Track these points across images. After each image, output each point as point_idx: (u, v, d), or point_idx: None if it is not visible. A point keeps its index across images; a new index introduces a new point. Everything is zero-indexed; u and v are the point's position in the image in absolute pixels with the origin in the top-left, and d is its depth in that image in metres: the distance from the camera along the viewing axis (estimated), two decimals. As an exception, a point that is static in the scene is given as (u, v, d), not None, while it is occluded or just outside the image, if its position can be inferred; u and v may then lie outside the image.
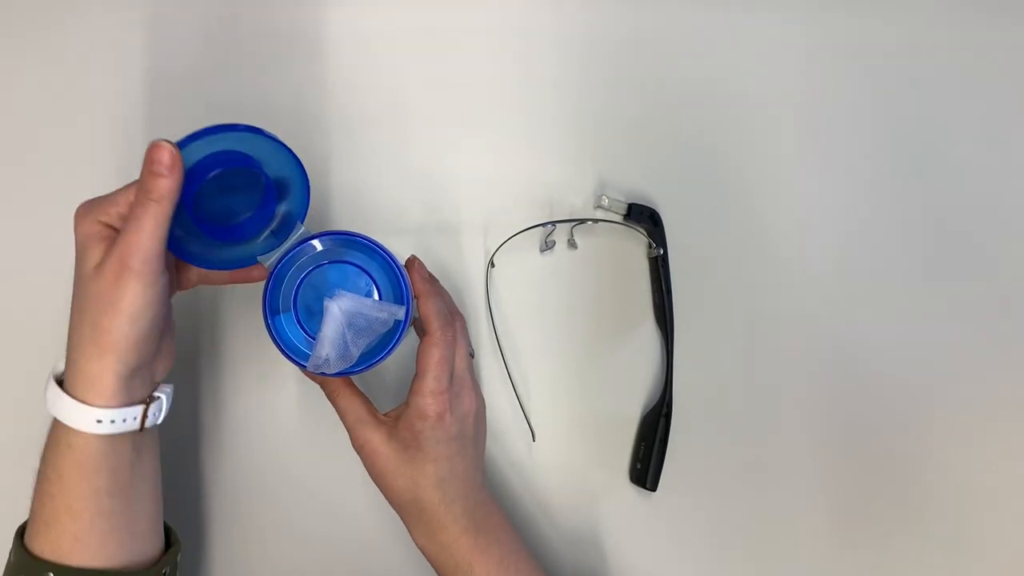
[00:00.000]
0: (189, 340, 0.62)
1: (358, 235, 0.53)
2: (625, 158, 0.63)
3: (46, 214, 0.62)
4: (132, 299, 0.42)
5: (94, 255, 0.44)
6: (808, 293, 0.63)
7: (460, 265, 0.63)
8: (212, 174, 0.46)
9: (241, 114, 0.62)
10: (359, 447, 0.52)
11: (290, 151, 0.50)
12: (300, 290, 0.53)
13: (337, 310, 0.50)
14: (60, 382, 0.45)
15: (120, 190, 0.46)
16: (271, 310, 0.52)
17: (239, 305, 0.62)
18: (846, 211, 0.64)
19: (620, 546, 0.62)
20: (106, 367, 0.43)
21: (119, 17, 0.63)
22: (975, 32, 0.65)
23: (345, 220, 0.61)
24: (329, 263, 0.53)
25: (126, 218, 0.43)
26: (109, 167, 0.62)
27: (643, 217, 0.61)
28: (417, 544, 0.52)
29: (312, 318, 0.53)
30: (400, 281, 0.53)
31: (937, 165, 0.64)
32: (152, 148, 0.42)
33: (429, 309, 0.52)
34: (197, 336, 0.62)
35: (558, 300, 0.63)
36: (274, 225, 0.52)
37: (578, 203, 0.63)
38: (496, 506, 0.54)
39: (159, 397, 0.49)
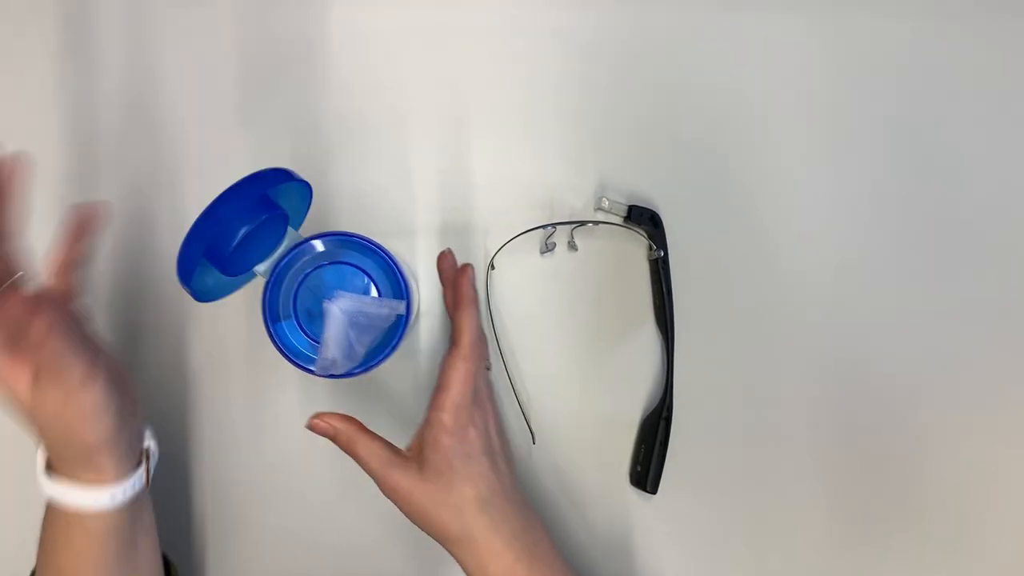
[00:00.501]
0: (190, 350, 0.62)
1: (352, 234, 0.53)
2: (626, 160, 0.63)
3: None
4: (55, 373, 0.43)
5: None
6: (809, 295, 0.63)
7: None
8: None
9: (243, 115, 0.63)
10: (391, 492, 0.49)
11: (295, 176, 0.50)
12: (299, 295, 0.53)
13: (338, 311, 0.50)
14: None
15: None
16: (272, 318, 0.53)
17: (239, 313, 0.62)
18: (847, 213, 0.63)
19: (620, 549, 0.62)
20: (101, 453, 0.45)
21: (120, 18, 0.63)
22: (982, 35, 0.64)
23: (344, 222, 0.61)
24: (325, 265, 0.53)
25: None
26: (109, 172, 0.63)
27: (643, 219, 0.61)
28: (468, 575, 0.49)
29: (313, 321, 0.54)
30: (398, 276, 0.53)
31: (940, 167, 0.64)
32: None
33: (466, 321, 0.51)
34: (198, 346, 0.62)
35: (558, 302, 0.63)
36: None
37: (578, 205, 0.63)
38: (542, 527, 0.52)
39: (147, 446, 0.49)
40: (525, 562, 0.48)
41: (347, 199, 0.62)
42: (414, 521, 0.50)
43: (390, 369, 0.61)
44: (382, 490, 0.50)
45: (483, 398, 0.52)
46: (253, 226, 0.48)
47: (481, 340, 0.51)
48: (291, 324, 0.53)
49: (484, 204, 0.63)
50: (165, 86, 0.63)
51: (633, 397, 0.62)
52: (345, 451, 0.51)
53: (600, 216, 0.62)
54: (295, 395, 0.62)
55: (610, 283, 0.63)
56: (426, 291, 0.62)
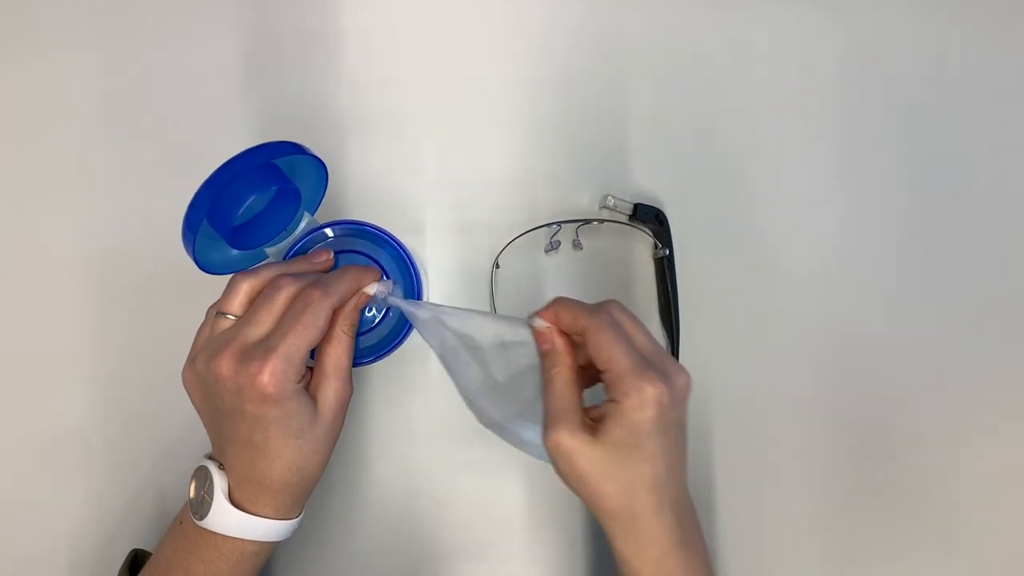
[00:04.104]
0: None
1: (367, 224, 0.53)
2: (631, 158, 0.64)
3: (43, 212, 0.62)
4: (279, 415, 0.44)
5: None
6: (814, 294, 0.63)
7: (465, 265, 0.63)
8: (230, 181, 0.46)
9: (247, 113, 0.63)
10: (554, 445, 0.44)
11: (306, 150, 0.50)
12: (309, 281, 0.53)
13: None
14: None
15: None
16: None
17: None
18: (852, 212, 0.64)
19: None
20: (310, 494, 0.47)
21: (122, 16, 0.64)
22: (987, 33, 0.66)
23: (352, 217, 0.61)
24: (338, 253, 0.53)
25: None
26: (121, 167, 0.62)
27: (649, 217, 0.61)
28: (618, 554, 0.45)
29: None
30: (410, 269, 0.53)
31: (947, 168, 0.65)
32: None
33: (576, 317, 0.46)
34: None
35: (563, 301, 0.63)
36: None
37: (583, 203, 0.63)
38: (696, 516, 0.48)
39: None
40: (681, 551, 0.45)
41: (354, 195, 0.62)
42: (568, 482, 0.45)
43: (397, 362, 0.61)
44: (547, 439, 0.44)
45: (668, 361, 0.46)
46: (262, 194, 0.47)
47: (601, 310, 0.46)
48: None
49: (489, 202, 0.63)
50: (170, 81, 0.63)
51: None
52: (545, 372, 0.46)
53: (605, 214, 0.62)
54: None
55: (615, 282, 0.63)
56: (435, 287, 0.62)
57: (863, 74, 0.65)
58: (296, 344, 0.43)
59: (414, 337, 0.59)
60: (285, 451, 0.44)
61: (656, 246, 0.62)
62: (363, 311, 0.53)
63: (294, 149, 0.48)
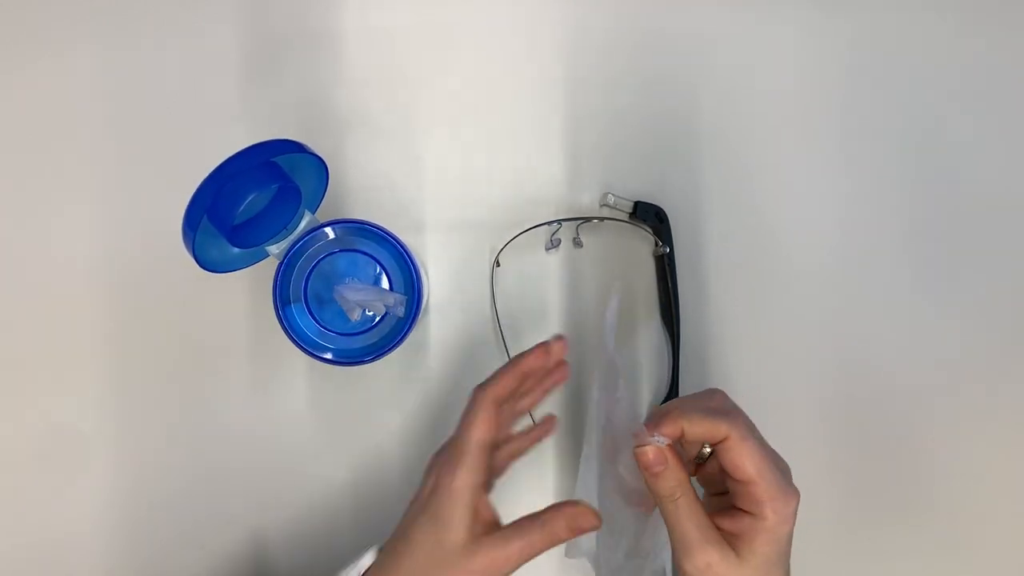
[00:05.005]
0: (197, 332, 0.61)
1: (368, 223, 0.53)
2: (631, 156, 0.63)
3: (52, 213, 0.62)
4: None
5: (464, 528, 0.42)
6: (814, 292, 0.63)
7: (465, 264, 0.63)
8: (230, 180, 0.46)
9: (248, 112, 0.63)
10: (706, 567, 0.41)
11: (306, 148, 0.50)
12: (310, 279, 0.53)
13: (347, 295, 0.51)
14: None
15: (471, 440, 0.44)
16: (282, 300, 0.52)
17: (248, 296, 0.61)
18: (854, 210, 0.64)
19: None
20: None
21: (123, 16, 0.64)
22: (989, 32, 0.65)
23: (352, 216, 0.61)
24: (339, 252, 0.53)
25: (544, 523, 0.42)
26: (124, 166, 0.62)
27: (649, 215, 0.61)
28: None
29: (323, 307, 0.53)
30: (410, 267, 0.53)
31: (948, 166, 0.64)
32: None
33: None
34: (205, 328, 0.61)
35: (563, 299, 0.63)
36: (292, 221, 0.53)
37: (584, 201, 0.63)
38: None
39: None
40: None
41: (354, 194, 0.62)
42: None
43: (398, 362, 0.61)
44: (687, 565, 0.42)
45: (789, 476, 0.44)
46: (262, 193, 0.47)
47: (741, 418, 0.44)
48: (300, 308, 0.53)
49: (489, 200, 0.63)
50: (170, 79, 0.63)
51: (638, 393, 0.62)
52: (664, 510, 0.43)
53: (606, 212, 0.62)
54: (303, 383, 0.62)
55: (615, 280, 0.63)
56: (435, 286, 0.62)
57: (865, 72, 0.65)
58: None
59: (414, 336, 0.59)
60: None
61: (656, 244, 0.62)
62: (363, 311, 0.53)
63: (295, 147, 0.48)
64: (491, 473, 0.46)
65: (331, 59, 0.63)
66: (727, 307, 0.63)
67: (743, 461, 0.41)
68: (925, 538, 0.63)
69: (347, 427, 0.61)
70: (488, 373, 0.62)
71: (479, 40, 0.64)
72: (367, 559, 0.45)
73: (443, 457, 0.45)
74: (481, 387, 0.46)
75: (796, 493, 0.42)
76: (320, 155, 0.51)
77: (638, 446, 0.42)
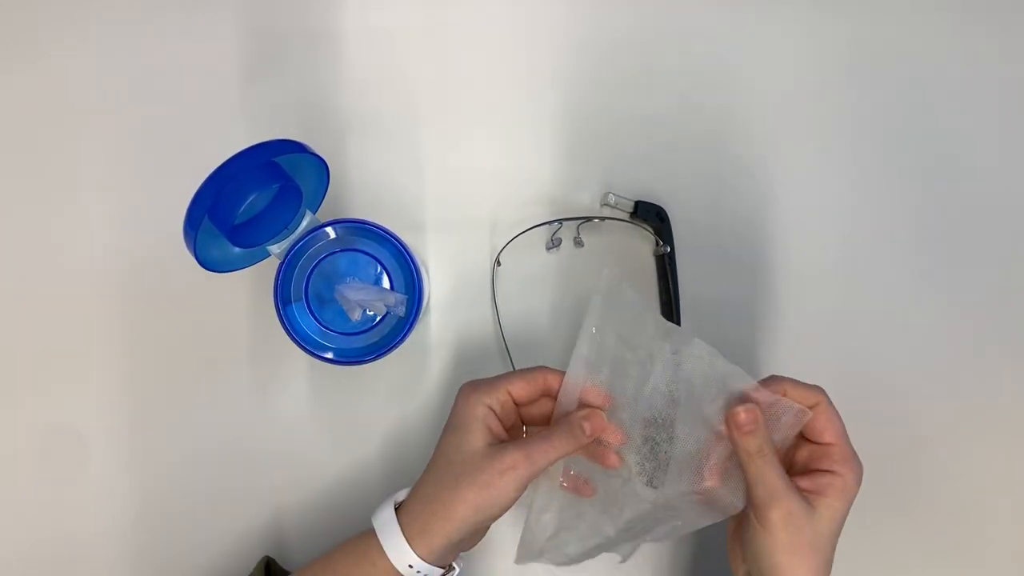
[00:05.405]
0: (198, 331, 0.61)
1: (369, 223, 0.53)
2: (632, 155, 0.64)
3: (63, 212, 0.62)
4: (503, 493, 0.45)
5: (479, 434, 0.47)
6: (814, 291, 0.63)
7: (466, 263, 0.63)
8: (231, 180, 0.46)
9: (249, 112, 0.63)
10: (787, 515, 0.45)
11: (307, 148, 0.50)
12: (311, 279, 0.53)
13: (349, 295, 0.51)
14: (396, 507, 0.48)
15: (502, 378, 0.49)
16: (283, 300, 0.52)
17: (249, 296, 0.61)
18: (854, 210, 0.64)
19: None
20: (443, 531, 0.46)
21: (123, 15, 0.64)
22: (989, 31, 0.66)
23: (352, 216, 0.61)
24: (339, 251, 0.53)
25: (546, 437, 0.47)
26: (125, 166, 0.63)
27: (650, 214, 0.61)
28: None
29: (323, 306, 0.53)
30: (411, 267, 0.53)
31: (948, 166, 0.65)
32: (595, 418, 0.48)
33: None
34: (206, 327, 0.62)
35: (564, 298, 0.63)
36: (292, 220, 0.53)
37: (585, 201, 0.63)
38: None
39: (455, 568, 0.50)
40: None
41: (355, 193, 0.62)
42: (771, 554, 0.46)
43: (398, 362, 0.61)
44: (770, 511, 0.45)
45: None
46: (263, 193, 0.48)
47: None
48: (301, 307, 0.53)
49: (490, 200, 0.63)
50: (171, 80, 0.63)
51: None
52: (746, 454, 0.46)
53: (606, 212, 0.62)
54: (304, 383, 0.62)
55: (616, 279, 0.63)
56: (436, 285, 0.62)
57: (865, 72, 0.65)
58: None
59: (415, 336, 0.59)
60: None
61: (657, 243, 0.62)
62: (364, 310, 0.54)
63: (295, 147, 0.48)
64: (524, 420, 0.52)
65: (332, 59, 0.63)
66: (728, 307, 0.63)
67: (831, 425, 0.47)
68: (925, 538, 0.63)
69: (347, 426, 0.61)
70: (488, 373, 0.62)
71: (479, 40, 0.64)
72: (402, 493, 0.49)
73: (470, 385, 0.50)
74: (546, 368, 0.51)
75: (861, 464, 0.47)
76: (321, 155, 0.51)
77: (734, 408, 0.46)
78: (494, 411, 0.48)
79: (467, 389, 0.49)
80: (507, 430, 0.50)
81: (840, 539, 0.61)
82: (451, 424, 0.49)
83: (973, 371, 0.64)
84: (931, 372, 0.63)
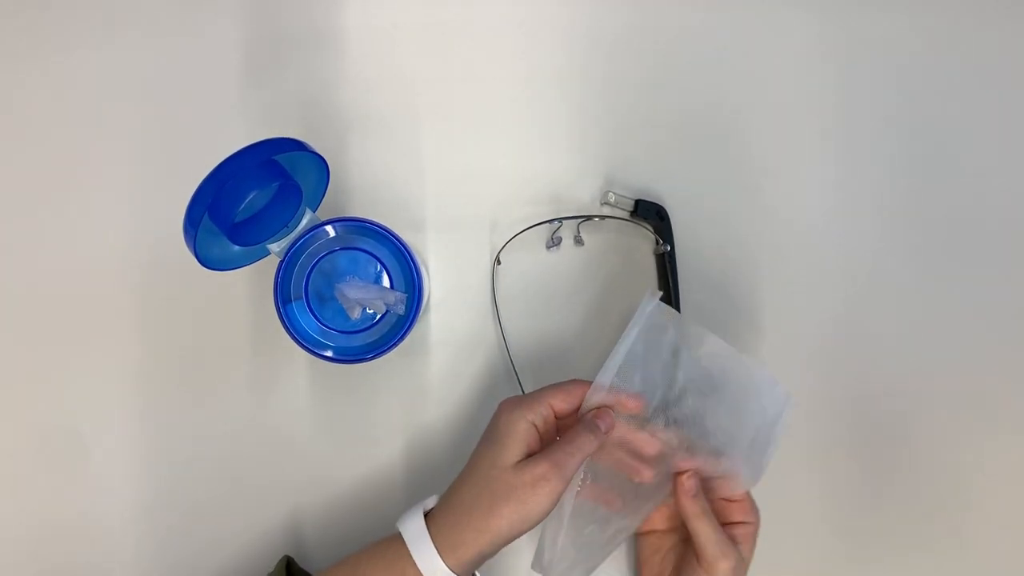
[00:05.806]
0: (198, 330, 0.62)
1: (368, 221, 0.53)
2: (632, 154, 0.64)
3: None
4: (537, 506, 0.47)
5: (516, 450, 0.48)
6: (816, 290, 0.63)
7: (466, 262, 0.63)
8: (230, 180, 0.46)
9: (249, 110, 0.63)
10: (735, 566, 0.51)
11: (307, 147, 0.50)
12: (311, 277, 0.53)
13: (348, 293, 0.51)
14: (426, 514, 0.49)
15: (543, 392, 0.51)
16: (283, 298, 0.52)
17: (249, 294, 0.61)
18: (855, 207, 0.64)
19: (624, 546, 0.61)
20: (476, 544, 0.47)
21: (123, 15, 0.64)
22: (991, 30, 0.66)
23: (353, 214, 0.61)
24: (339, 250, 0.53)
25: (569, 441, 0.49)
26: (124, 165, 0.63)
27: (650, 213, 0.61)
28: None
29: (323, 305, 0.53)
30: (411, 265, 0.53)
31: (949, 165, 0.65)
32: (605, 415, 0.51)
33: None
34: (207, 326, 0.62)
35: (564, 297, 0.63)
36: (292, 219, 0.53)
37: (585, 199, 0.63)
38: None
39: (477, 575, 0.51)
40: None
41: (355, 192, 0.62)
42: None
43: (398, 360, 0.61)
44: (717, 560, 0.51)
45: None
46: (263, 191, 0.48)
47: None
48: (301, 305, 0.53)
49: (490, 199, 0.63)
50: (172, 79, 0.63)
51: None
52: (693, 515, 0.52)
53: (606, 210, 0.62)
54: (304, 381, 0.62)
55: (616, 277, 0.63)
56: (436, 284, 0.62)
57: (865, 72, 0.65)
58: None
59: (414, 335, 0.59)
60: None
61: (657, 242, 0.62)
62: (364, 309, 0.54)
63: (295, 146, 0.48)
64: (559, 432, 0.52)
65: (332, 58, 0.63)
66: (728, 305, 0.63)
67: (745, 500, 0.54)
68: (925, 538, 0.63)
69: (347, 425, 0.61)
70: (488, 372, 0.62)
71: (480, 39, 0.64)
72: (431, 500, 0.50)
73: (512, 400, 0.51)
74: (581, 381, 0.52)
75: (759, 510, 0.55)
76: (321, 153, 0.51)
77: (682, 475, 0.52)
78: (536, 427, 0.49)
79: (509, 405, 0.50)
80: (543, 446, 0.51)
81: (840, 536, 0.62)
82: (489, 437, 0.50)
83: (973, 370, 0.64)
84: (931, 371, 0.63)
